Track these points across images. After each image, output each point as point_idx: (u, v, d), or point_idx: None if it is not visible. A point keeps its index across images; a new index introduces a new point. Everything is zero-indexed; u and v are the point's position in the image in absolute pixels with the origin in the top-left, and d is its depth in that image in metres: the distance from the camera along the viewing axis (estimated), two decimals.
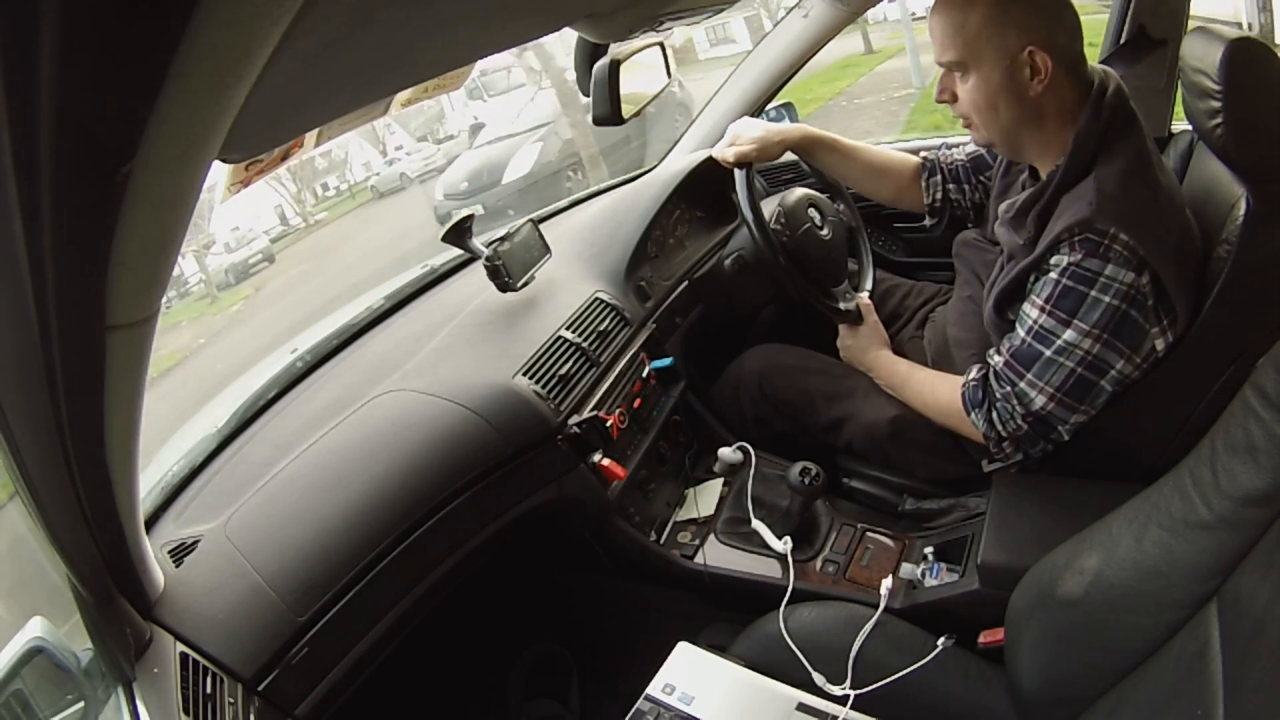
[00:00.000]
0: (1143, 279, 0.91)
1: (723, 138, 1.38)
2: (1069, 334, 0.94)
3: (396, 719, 1.24)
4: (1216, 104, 0.88)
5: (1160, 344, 0.95)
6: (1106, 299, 0.92)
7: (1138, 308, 0.92)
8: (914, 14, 7.93)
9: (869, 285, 1.39)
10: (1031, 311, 0.97)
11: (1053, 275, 0.94)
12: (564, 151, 6.96)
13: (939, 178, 1.34)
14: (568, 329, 1.19)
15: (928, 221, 1.37)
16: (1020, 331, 0.99)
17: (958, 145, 1.36)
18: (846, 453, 1.31)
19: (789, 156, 1.45)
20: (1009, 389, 1.00)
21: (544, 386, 1.09)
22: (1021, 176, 1.11)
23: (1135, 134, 0.97)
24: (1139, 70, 1.33)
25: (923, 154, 1.36)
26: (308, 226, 10.39)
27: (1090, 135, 0.95)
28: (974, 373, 1.06)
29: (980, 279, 1.17)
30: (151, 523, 0.93)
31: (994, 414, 1.03)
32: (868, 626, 0.96)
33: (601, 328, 1.23)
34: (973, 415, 1.05)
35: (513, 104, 9.57)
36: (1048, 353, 0.96)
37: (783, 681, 0.93)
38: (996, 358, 1.03)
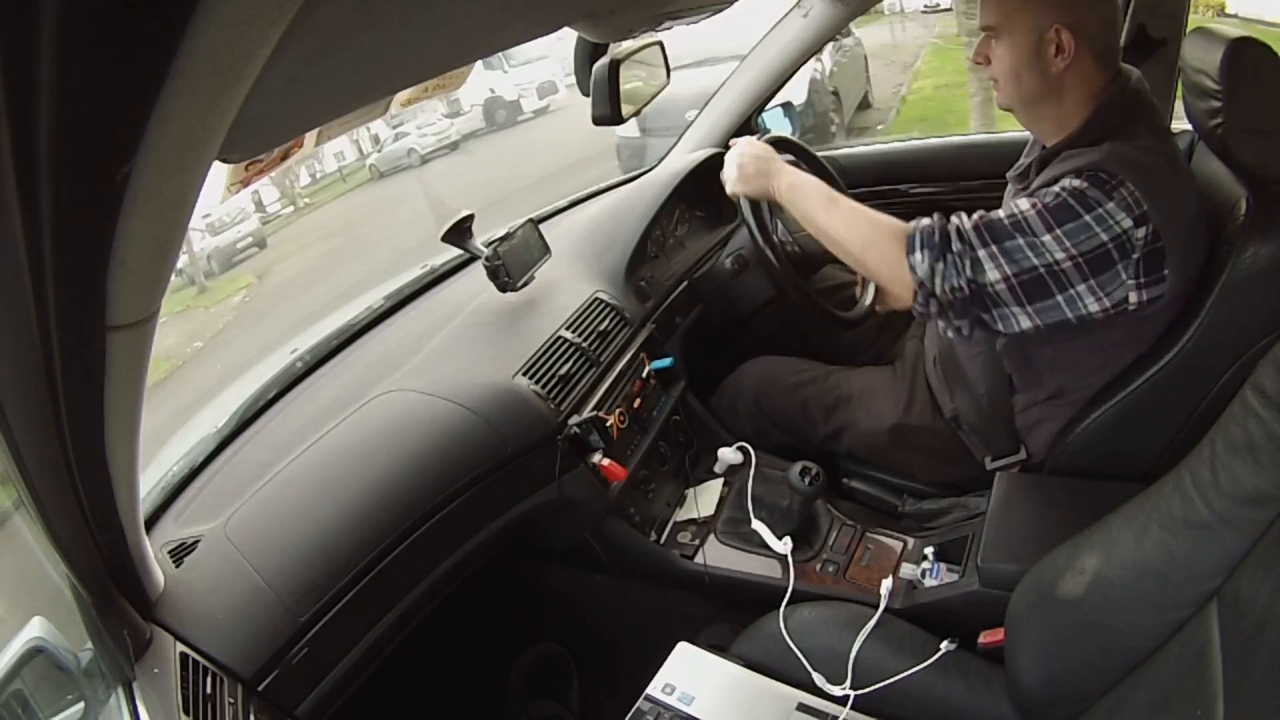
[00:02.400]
0: (1139, 231, 0.90)
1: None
2: (1047, 238, 0.92)
3: (397, 719, 1.24)
4: (1217, 104, 0.88)
5: (1134, 298, 0.93)
6: (1096, 231, 0.90)
7: (1122, 255, 0.91)
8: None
9: (870, 292, 1.39)
10: (1023, 204, 0.94)
11: (1054, 189, 0.93)
12: (821, 87, 5.40)
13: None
14: (568, 329, 1.19)
15: None
16: (1001, 213, 0.96)
17: None
18: (847, 456, 1.31)
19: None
20: (967, 249, 0.94)
21: (544, 386, 1.09)
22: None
23: (1159, 122, 1.00)
24: (1139, 70, 1.33)
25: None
26: (298, 210, 9.04)
27: (1114, 106, 0.97)
28: (932, 219, 0.99)
29: None
30: (151, 523, 0.93)
31: (940, 264, 0.95)
32: (868, 627, 0.96)
33: (601, 328, 1.23)
34: (916, 254, 0.96)
35: (535, 75, 8.88)
36: (1020, 240, 0.93)
37: (783, 682, 0.93)
38: (965, 219, 0.96)
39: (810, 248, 1.35)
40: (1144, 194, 0.90)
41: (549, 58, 8.94)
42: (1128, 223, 0.90)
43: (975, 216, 0.97)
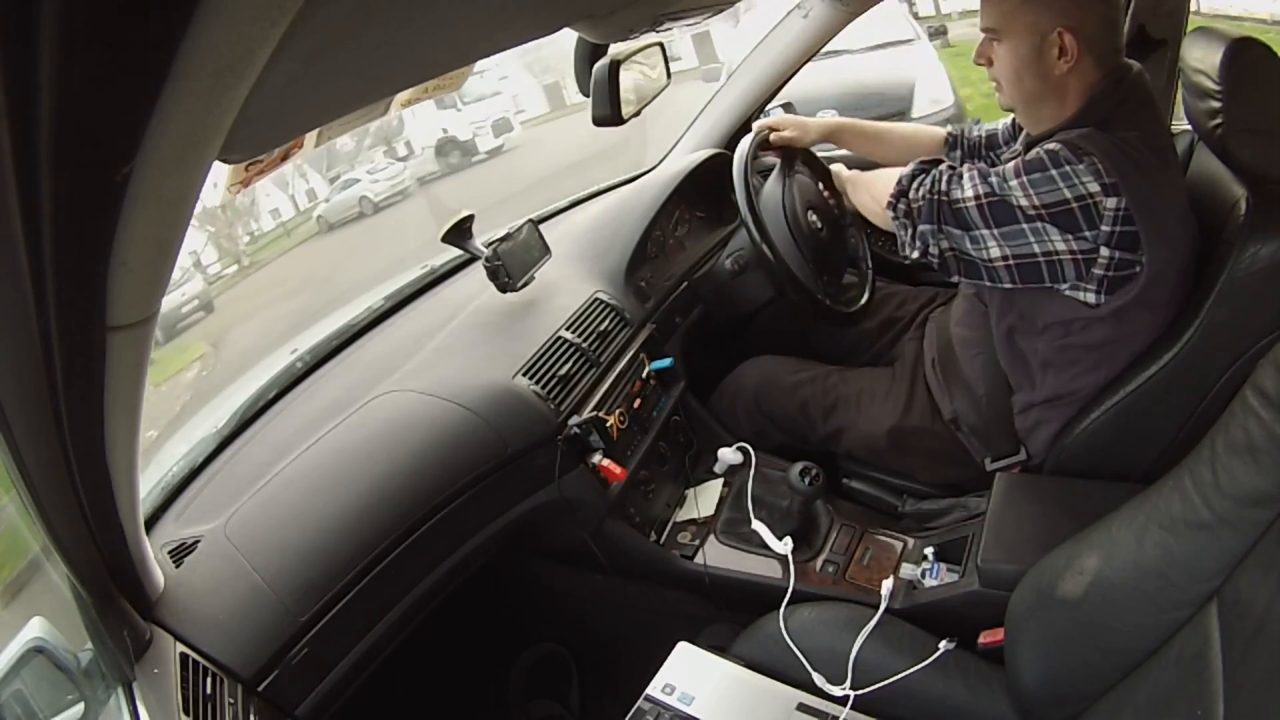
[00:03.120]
0: (1109, 201, 0.92)
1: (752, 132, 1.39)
2: (1013, 182, 0.96)
3: (396, 719, 1.24)
4: (1216, 104, 0.88)
5: (1105, 252, 0.95)
6: (1059, 186, 0.93)
7: (1089, 221, 0.93)
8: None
9: (868, 289, 1.39)
10: (1011, 161, 1.00)
11: (1033, 150, 0.98)
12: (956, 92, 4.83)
13: (959, 152, 1.36)
14: (568, 329, 1.19)
15: None
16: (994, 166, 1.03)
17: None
18: (846, 456, 1.31)
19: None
20: (950, 170, 1.03)
21: (544, 387, 1.09)
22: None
23: (1151, 115, 1.01)
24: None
25: (949, 127, 1.39)
26: (243, 269, 7.91)
27: (1104, 98, 0.99)
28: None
29: None
30: (151, 523, 0.93)
31: (923, 175, 1.05)
32: (868, 627, 0.96)
33: (601, 328, 1.23)
34: (910, 169, 1.08)
35: (490, 112, 8.45)
36: (994, 178, 0.98)
37: (783, 682, 0.93)
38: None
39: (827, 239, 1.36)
40: (1114, 168, 0.92)
41: (503, 94, 8.61)
42: (1094, 186, 0.92)
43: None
